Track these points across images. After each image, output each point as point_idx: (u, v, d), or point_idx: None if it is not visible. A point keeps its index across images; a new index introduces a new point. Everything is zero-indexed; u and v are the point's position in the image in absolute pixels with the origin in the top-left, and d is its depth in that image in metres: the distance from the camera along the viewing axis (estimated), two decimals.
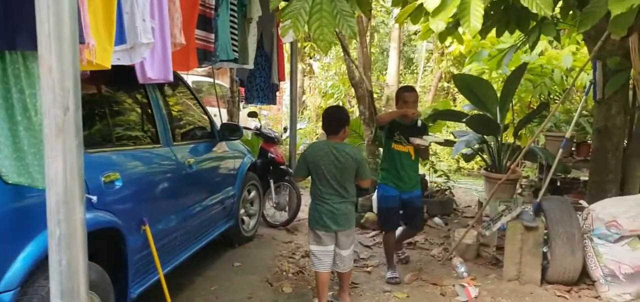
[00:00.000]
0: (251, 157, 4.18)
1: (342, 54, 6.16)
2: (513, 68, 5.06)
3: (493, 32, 4.03)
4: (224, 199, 3.55)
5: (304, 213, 4.07)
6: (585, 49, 4.94)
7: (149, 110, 2.78)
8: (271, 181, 4.60)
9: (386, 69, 10.67)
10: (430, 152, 3.80)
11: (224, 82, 8.03)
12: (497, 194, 4.12)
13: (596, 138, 4.03)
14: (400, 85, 9.86)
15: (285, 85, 7.93)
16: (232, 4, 3.23)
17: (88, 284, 1.42)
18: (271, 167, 4.64)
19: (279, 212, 4.70)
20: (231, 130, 3.68)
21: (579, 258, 3.21)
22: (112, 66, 1.90)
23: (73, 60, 1.29)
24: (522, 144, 5.22)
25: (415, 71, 13.06)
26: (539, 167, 5.33)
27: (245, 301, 3.00)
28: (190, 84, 3.90)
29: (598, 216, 3.25)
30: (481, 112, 4.93)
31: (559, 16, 4.17)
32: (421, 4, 2.51)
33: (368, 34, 6.75)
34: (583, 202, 3.69)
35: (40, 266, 1.73)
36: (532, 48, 4.26)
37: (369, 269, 3.67)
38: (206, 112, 3.61)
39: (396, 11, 5.43)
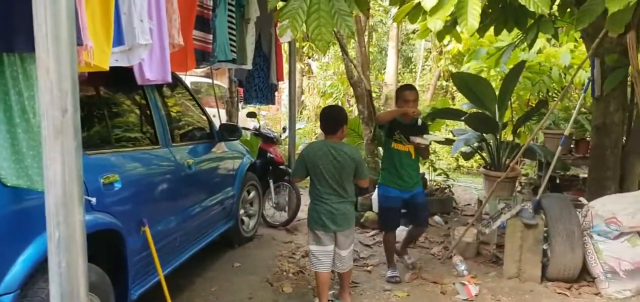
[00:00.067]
0: (250, 157, 4.18)
1: (341, 53, 6.16)
2: (511, 66, 5.07)
3: (491, 30, 4.04)
4: (223, 200, 3.55)
5: (303, 213, 4.07)
6: (583, 47, 4.95)
7: (148, 112, 2.78)
8: (270, 181, 4.60)
9: (385, 68, 10.68)
10: (430, 151, 3.77)
11: (222, 82, 8.03)
12: (496, 192, 4.12)
13: (595, 135, 4.04)
14: (399, 84, 9.88)
15: (283, 85, 7.93)
16: (229, 4, 3.23)
17: (88, 286, 1.42)
18: (270, 168, 4.64)
19: (279, 212, 4.69)
20: (230, 131, 3.68)
21: (579, 255, 3.22)
22: (110, 68, 1.90)
23: (71, 61, 1.29)
24: (521, 142, 5.23)
25: (414, 70, 13.07)
26: (538, 164, 5.33)
27: (246, 301, 3.00)
28: (189, 85, 3.89)
29: (597, 212, 3.26)
30: (480, 111, 4.93)
31: (556, 14, 4.18)
32: (419, 3, 2.52)
33: (366, 33, 6.75)
34: (582, 199, 3.70)
35: (40, 268, 1.73)
36: (530, 46, 4.27)
37: (369, 268, 3.67)
38: (205, 113, 3.61)
39: (394, 10, 5.44)
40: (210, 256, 3.65)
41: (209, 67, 3.56)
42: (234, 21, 3.30)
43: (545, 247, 3.38)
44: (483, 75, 5.92)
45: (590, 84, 3.90)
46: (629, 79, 3.81)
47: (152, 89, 2.83)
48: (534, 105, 5.87)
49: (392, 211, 3.37)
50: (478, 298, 3.11)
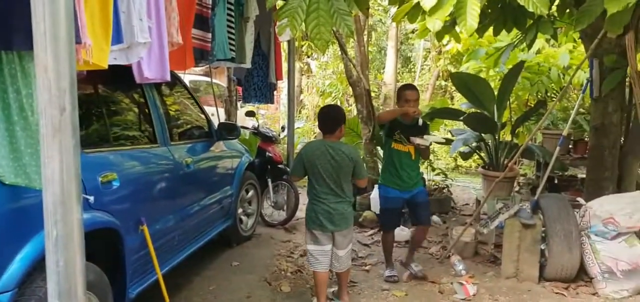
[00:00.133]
0: (249, 156, 4.18)
1: (340, 52, 6.16)
2: (510, 66, 5.07)
3: (490, 30, 4.04)
4: (221, 199, 3.55)
5: (302, 212, 4.07)
6: (582, 47, 4.95)
7: (146, 110, 2.78)
8: (269, 180, 4.60)
9: (384, 68, 10.68)
10: (430, 151, 3.73)
11: (221, 81, 8.02)
12: (494, 192, 4.13)
13: (593, 136, 4.04)
14: (398, 83, 9.89)
15: (282, 85, 7.93)
16: (229, 3, 3.22)
17: (85, 284, 1.42)
18: (269, 167, 4.64)
19: (277, 212, 4.70)
20: (229, 130, 3.67)
21: (577, 255, 3.22)
22: (109, 66, 1.90)
23: (69, 60, 1.29)
24: (519, 142, 5.23)
25: (413, 70, 13.08)
26: (536, 165, 5.34)
27: (244, 300, 3.00)
28: (188, 84, 3.89)
29: (595, 213, 3.27)
30: (479, 111, 4.94)
31: (556, 14, 4.18)
32: (418, 3, 2.51)
33: (365, 32, 6.75)
34: (580, 200, 3.70)
35: (37, 267, 1.72)
36: (529, 46, 4.27)
37: (367, 267, 3.67)
38: (203, 112, 3.61)
39: (393, 10, 5.44)
40: (209, 254, 3.65)
41: (207, 65, 3.55)
42: (233, 20, 3.30)
43: (543, 247, 3.38)
44: (482, 75, 5.92)
45: (588, 84, 3.91)
46: (627, 79, 3.82)
47: (150, 88, 2.83)
48: (532, 105, 5.88)
49: (392, 212, 3.37)
50: (476, 298, 3.12)
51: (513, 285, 3.29)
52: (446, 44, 7.45)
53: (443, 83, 11.74)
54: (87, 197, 1.96)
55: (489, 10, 3.70)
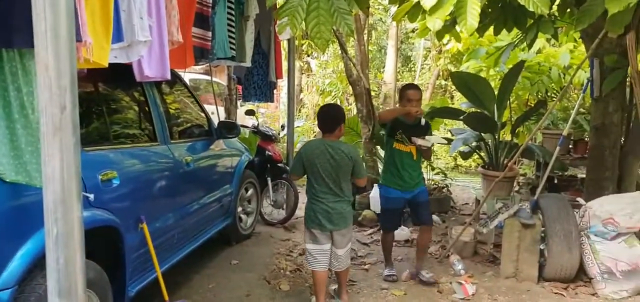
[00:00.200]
0: (249, 155, 4.18)
1: (340, 51, 6.16)
2: (510, 66, 5.07)
3: (491, 29, 4.04)
4: (221, 197, 3.55)
5: (301, 211, 4.07)
6: (582, 47, 4.95)
7: (147, 108, 2.78)
8: (269, 179, 4.60)
9: (384, 67, 10.69)
10: (432, 152, 3.69)
11: (221, 80, 8.02)
12: (494, 192, 4.13)
13: (593, 135, 4.04)
14: (398, 83, 9.89)
15: (282, 83, 7.93)
16: (229, 1, 3.22)
17: (85, 282, 1.42)
18: (269, 165, 4.64)
19: (277, 210, 4.70)
20: (229, 128, 3.67)
21: (576, 255, 3.23)
22: (109, 64, 1.90)
23: (70, 58, 1.29)
24: (519, 142, 5.23)
25: (413, 69, 13.09)
26: (536, 164, 5.34)
27: (243, 298, 3.01)
28: (188, 82, 3.89)
29: (595, 213, 3.27)
30: (479, 110, 4.94)
31: (556, 14, 4.18)
32: (418, 2, 2.52)
33: (365, 31, 6.74)
34: (580, 200, 3.70)
35: (38, 264, 1.73)
36: (529, 46, 4.27)
37: (366, 266, 3.67)
38: (203, 110, 3.61)
39: (393, 9, 5.44)
40: (208, 253, 3.65)
41: (208, 64, 3.55)
42: (233, 18, 3.30)
43: (542, 247, 3.39)
44: (482, 74, 5.93)
45: (589, 84, 3.91)
46: (628, 79, 3.82)
47: (151, 86, 2.83)
48: (532, 105, 5.88)
49: (393, 212, 3.36)
50: (475, 297, 3.12)
51: (512, 285, 3.30)
52: (446, 43, 7.45)
53: (443, 82, 11.74)
54: (87, 195, 1.96)
55: (490, 10, 3.70)
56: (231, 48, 3.27)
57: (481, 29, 3.92)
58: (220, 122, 3.70)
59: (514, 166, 4.56)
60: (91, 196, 1.99)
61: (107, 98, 2.56)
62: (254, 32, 3.78)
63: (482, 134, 4.90)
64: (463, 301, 3.09)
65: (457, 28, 3.90)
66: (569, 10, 3.96)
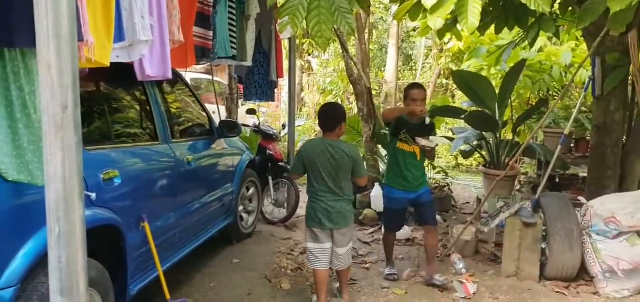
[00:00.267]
0: (250, 154, 4.19)
1: (341, 50, 6.16)
2: (512, 64, 5.06)
3: (492, 28, 4.03)
4: (222, 196, 3.56)
5: (302, 210, 4.07)
6: (584, 46, 4.94)
7: (148, 108, 2.78)
8: (270, 178, 4.60)
9: (385, 66, 10.68)
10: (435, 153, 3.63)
11: (222, 79, 8.03)
12: (495, 191, 4.12)
13: (595, 134, 4.04)
14: (399, 81, 9.89)
15: (283, 82, 7.93)
16: (230, 1, 3.22)
17: (87, 281, 1.42)
18: (270, 164, 4.64)
19: (278, 209, 4.70)
20: (230, 128, 3.68)
21: (578, 254, 3.22)
22: (111, 63, 1.90)
23: (72, 57, 1.29)
24: (521, 141, 5.23)
25: (414, 68, 13.07)
26: (537, 163, 5.34)
27: (244, 297, 3.01)
28: (189, 81, 3.89)
29: (597, 212, 3.26)
30: (480, 109, 4.93)
31: (558, 12, 4.17)
32: (419, 1, 2.51)
33: (366, 30, 6.73)
34: (582, 199, 3.70)
35: (40, 263, 1.73)
36: (531, 45, 4.25)
37: (367, 265, 3.67)
38: (205, 109, 3.61)
39: (395, 8, 5.43)
40: (209, 252, 3.66)
41: (209, 63, 3.56)
42: (234, 18, 3.30)
43: (543, 246, 3.38)
44: (483, 73, 5.92)
45: (591, 83, 3.90)
46: (630, 78, 3.81)
47: (152, 85, 2.84)
48: (534, 104, 5.87)
49: (396, 213, 3.34)
50: (476, 296, 3.12)
51: (514, 284, 3.29)
52: (448, 42, 7.44)
53: (444, 81, 11.72)
54: (89, 194, 1.96)
55: (491, 8, 3.69)
56: (232, 47, 3.27)
57: (482, 28, 3.91)
58: (221, 122, 3.71)
59: (515, 164, 4.56)
60: (93, 195, 2.00)
61: (108, 97, 2.57)
62: (255, 31, 3.78)
63: (484, 133, 4.89)
64: (464, 300, 3.08)
65: (459, 27, 3.89)
66: (570, 8, 3.95)
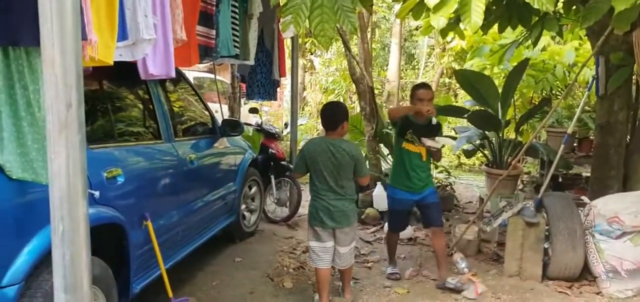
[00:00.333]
0: (252, 153, 4.19)
1: (343, 49, 6.15)
2: (515, 64, 5.05)
3: (495, 27, 4.01)
4: (225, 195, 3.56)
5: (304, 209, 4.07)
6: (588, 45, 4.92)
7: (151, 106, 2.79)
8: (272, 177, 4.61)
9: (387, 65, 10.67)
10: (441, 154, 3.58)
11: (225, 78, 8.03)
12: (498, 190, 4.12)
13: (598, 134, 4.02)
14: (402, 81, 9.87)
15: (286, 81, 7.92)
16: None
17: (91, 278, 1.43)
18: (272, 163, 4.65)
19: (280, 208, 4.71)
20: (232, 126, 3.68)
21: (581, 254, 3.22)
22: (115, 62, 1.90)
23: (76, 56, 1.29)
24: (523, 140, 5.22)
25: (417, 67, 13.04)
26: (540, 163, 5.32)
27: (247, 296, 3.02)
28: (192, 80, 3.90)
29: (600, 212, 3.25)
30: (482, 108, 4.93)
31: (561, 11, 4.15)
32: (422, 0, 2.51)
33: (369, 29, 6.73)
34: (585, 198, 3.69)
35: (44, 261, 1.75)
36: (534, 44, 4.24)
37: (369, 264, 3.67)
38: (207, 108, 3.62)
39: (397, 7, 5.42)
40: (212, 250, 3.66)
41: (211, 62, 3.56)
42: (237, 17, 3.30)
43: (546, 245, 3.37)
44: (486, 72, 5.90)
45: (594, 82, 3.89)
46: (634, 77, 3.80)
47: (155, 84, 2.84)
48: (537, 103, 5.85)
49: (400, 214, 3.33)
50: (479, 296, 3.11)
51: (516, 283, 3.29)
52: (450, 41, 7.41)
53: (447, 80, 11.69)
54: (93, 192, 1.97)
55: (494, 7, 3.67)
56: (235, 46, 3.27)
57: (485, 27, 3.90)
58: (224, 120, 3.71)
59: (518, 164, 4.55)
60: (96, 193, 2.00)
61: (112, 96, 2.57)
62: (258, 30, 3.78)
63: (486, 132, 4.89)
64: (466, 300, 3.08)
65: (461, 26, 3.88)
66: (574, 7, 3.93)
